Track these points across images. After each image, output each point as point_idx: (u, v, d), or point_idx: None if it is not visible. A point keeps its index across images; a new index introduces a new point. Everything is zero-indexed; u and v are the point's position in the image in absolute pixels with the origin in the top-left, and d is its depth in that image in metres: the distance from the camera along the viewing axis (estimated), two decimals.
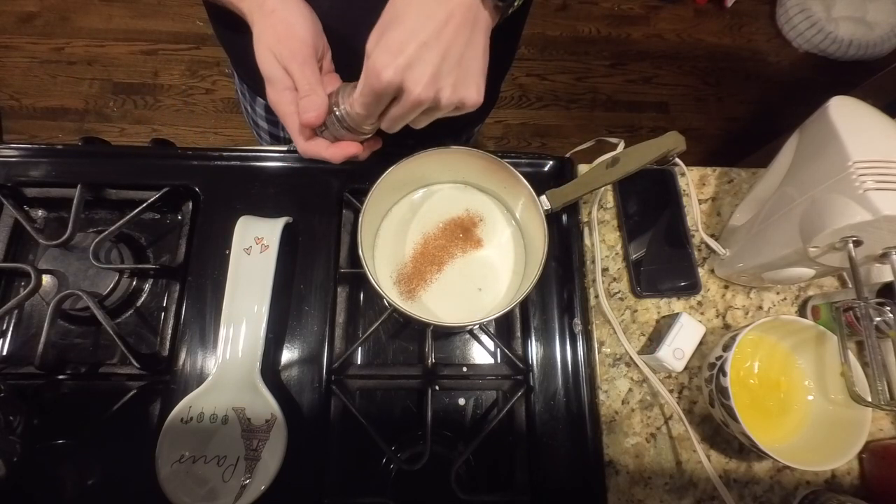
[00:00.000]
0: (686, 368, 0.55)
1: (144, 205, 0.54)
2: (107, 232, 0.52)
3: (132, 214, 0.53)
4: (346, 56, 0.43)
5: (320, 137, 0.43)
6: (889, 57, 1.90)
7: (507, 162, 0.49)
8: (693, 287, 0.59)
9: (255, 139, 0.80)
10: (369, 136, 0.43)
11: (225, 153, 0.58)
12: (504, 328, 0.57)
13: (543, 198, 0.49)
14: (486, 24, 0.37)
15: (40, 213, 0.58)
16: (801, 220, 0.46)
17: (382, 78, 0.34)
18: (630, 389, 0.56)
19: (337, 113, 0.40)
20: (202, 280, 0.53)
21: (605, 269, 0.60)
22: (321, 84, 0.40)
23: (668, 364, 0.52)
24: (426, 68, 0.35)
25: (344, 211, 0.58)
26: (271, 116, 0.70)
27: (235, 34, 0.42)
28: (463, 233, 0.53)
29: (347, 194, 0.57)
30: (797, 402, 0.53)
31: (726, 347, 0.50)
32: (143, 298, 0.55)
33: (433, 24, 0.34)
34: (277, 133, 0.73)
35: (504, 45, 0.56)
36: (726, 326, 0.59)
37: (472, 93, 0.38)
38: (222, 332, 0.47)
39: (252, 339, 0.47)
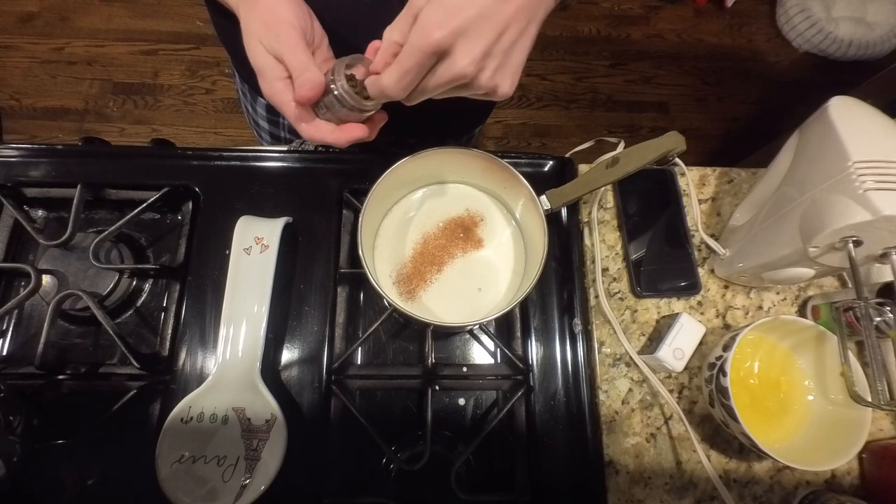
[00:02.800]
0: (686, 368, 0.55)
1: (144, 205, 0.54)
2: (107, 232, 0.52)
3: (132, 214, 0.53)
4: (348, 51, 0.42)
5: (323, 121, 0.41)
6: (889, 57, 1.90)
7: (507, 162, 0.49)
8: (693, 287, 0.59)
9: (255, 139, 0.80)
10: (371, 112, 0.41)
11: (225, 153, 0.58)
12: (504, 328, 0.57)
13: (543, 198, 0.49)
14: (545, 13, 0.35)
15: (40, 213, 0.58)
16: (801, 220, 0.46)
17: (433, 37, 0.31)
18: (630, 389, 0.56)
19: (336, 92, 0.38)
20: (202, 280, 0.53)
21: (605, 269, 0.60)
22: (314, 63, 0.38)
23: (668, 364, 0.52)
24: (479, 41, 0.31)
25: (344, 211, 0.58)
26: (272, 116, 0.70)
27: (237, 34, 0.41)
28: (463, 233, 0.53)
29: (347, 194, 0.57)
30: (797, 402, 0.53)
31: (726, 347, 0.50)
32: (143, 298, 0.55)
33: None
34: (278, 133, 0.73)
35: None
36: (726, 326, 0.59)
37: (507, 83, 0.35)
38: (222, 332, 0.47)
39: (252, 339, 0.47)
